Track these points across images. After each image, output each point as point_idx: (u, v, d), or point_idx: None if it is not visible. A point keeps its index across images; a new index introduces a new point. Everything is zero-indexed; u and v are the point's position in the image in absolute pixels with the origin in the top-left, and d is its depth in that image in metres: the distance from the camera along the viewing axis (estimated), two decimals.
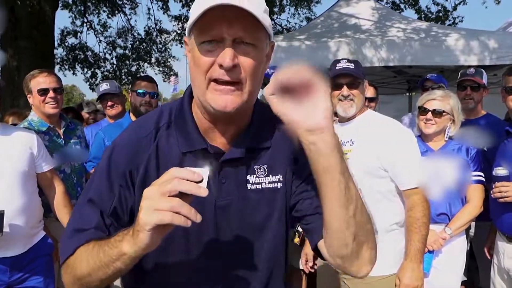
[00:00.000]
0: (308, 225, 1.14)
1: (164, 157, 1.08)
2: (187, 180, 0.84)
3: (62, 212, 2.61)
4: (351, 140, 2.21)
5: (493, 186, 2.38)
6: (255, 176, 1.12)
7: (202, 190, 0.84)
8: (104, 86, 3.77)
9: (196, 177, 0.84)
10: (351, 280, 2.17)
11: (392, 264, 2.14)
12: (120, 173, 1.07)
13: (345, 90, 2.22)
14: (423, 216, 2.07)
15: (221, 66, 0.96)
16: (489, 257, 2.82)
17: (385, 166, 2.12)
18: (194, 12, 0.96)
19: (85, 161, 3.10)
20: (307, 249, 2.54)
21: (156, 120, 1.12)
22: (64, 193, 2.64)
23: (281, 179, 1.14)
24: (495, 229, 2.67)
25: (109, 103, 3.71)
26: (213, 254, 1.11)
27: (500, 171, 2.36)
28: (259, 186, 1.12)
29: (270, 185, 1.13)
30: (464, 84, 3.28)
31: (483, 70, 3.41)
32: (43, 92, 2.82)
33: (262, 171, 1.13)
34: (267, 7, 1.03)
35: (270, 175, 1.13)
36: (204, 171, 0.86)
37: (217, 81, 0.98)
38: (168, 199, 0.83)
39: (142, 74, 14.15)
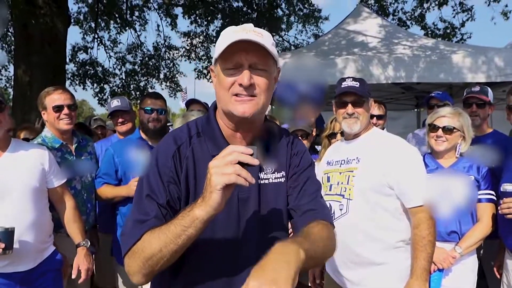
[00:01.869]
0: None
1: (198, 158, 1.36)
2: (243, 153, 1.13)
3: (73, 227, 2.64)
4: (357, 157, 2.23)
5: (501, 202, 2.36)
6: (263, 173, 1.42)
7: (255, 161, 1.13)
8: (115, 103, 3.82)
9: (249, 151, 1.14)
10: None
11: (398, 281, 2.13)
12: (167, 172, 1.32)
13: (349, 108, 2.25)
14: (429, 234, 2.06)
15: (240, 84, 1.28)
16: (498, 276, 2.79)
17: (391, 184, 2.13)
18: (220, 46, 1.28)
19: (93, 175, 3.13)
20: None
21: (187, 131, 1.41)
22: (74, 209, 2.67)
23: (284, 175, 1.45)
24: (503, 246, 2.65)
25: (120, 120, 3.75)
26: (238, 243, 1.36)
27: (508, 186, 2.34)
28: (267, 181, 1.42)
29: (276, 180, 1.44)
30: (469, 102, 3.29)
31: (488, 88, 3.43)
32: (58, 108, 2.87)
33: (269, 169, 1.43)
34: (274, 41, 1.34)
35: (276, 172, 1.44)
36: (253, 148, 1.15)
37: (237, 95, 1.30)
38: (231, 165, 1.11)
39: (150, 90, 14.36)
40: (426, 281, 2.05)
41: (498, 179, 2.62)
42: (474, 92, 3.34)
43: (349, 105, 2.25)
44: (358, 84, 2.25)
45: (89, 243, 2.68)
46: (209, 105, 3.11)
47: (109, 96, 13.45)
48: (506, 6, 11.82)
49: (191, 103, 4.18)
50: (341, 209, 2.19)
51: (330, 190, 2.29)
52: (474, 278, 2.58)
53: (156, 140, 3.22)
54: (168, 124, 3.73)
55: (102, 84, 13.72)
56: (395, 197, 2.15)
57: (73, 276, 2.54)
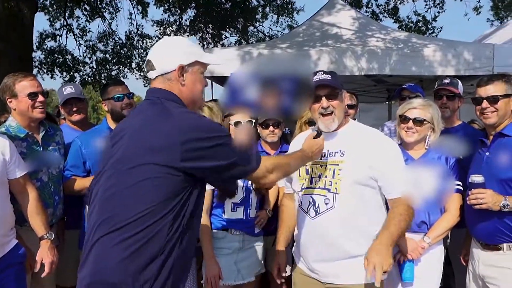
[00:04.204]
0: None
1: None
2: None
3: (36, 219, 2.53)
4: (340, 150, 2.21)
5: (469, 193, 2.40)
6: None
7: None
8: (69, 90, 3.56)
9: None
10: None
11: None
12: None
13: (324, 102, 2.20)
14: (406, 215, 2.09)
15: None
16: (464, 264, 2.86)
17: (376, 176, 2.15)
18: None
19: (61, 166, 3.02)
20: (280, 259, 2.53)
21: None
22: (37, 200, 2.56)
23: None
24: (470, 236, 2.71)
25: (74, 108, 3.54)
26: None
27: (476, 178, 2.37)
28: None
29: None
30: (440, 94, 3.35)
31: (458, 80, 3.49)
32: (33, 96, 2.73)
33: None
34: None
35: None
36: None
37: None
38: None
39: (122, 79, 14.09)
40: (390, 246, 2.03)
41: (465, 170, 2.68)
42: (445, 84, 3.39)
43: (323, 99, 2.20)
44: (330, 76, 2.22)
45: (53, 236, 2.58)
46: None
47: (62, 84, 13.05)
48: (478, 1, 12.15)
49: None
50: (326, 203, 2.17)
51: (311, 183, 2.26)
52: (441, 267, 2.63)
53: None
54: None
55: (71, 73, 13.30)
56: (378, 190, 2.18)
57: (36, 270, 2.45)
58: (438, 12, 12.37)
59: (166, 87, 1.80)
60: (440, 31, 12.77)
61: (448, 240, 3.25)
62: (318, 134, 2.20)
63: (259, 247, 2.93)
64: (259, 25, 14.31)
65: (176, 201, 1.62)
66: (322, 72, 2.25)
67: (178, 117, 1.68)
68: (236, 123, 2.80)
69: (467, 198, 2.40)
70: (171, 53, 1.81)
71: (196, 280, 2.86)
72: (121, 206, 1.60)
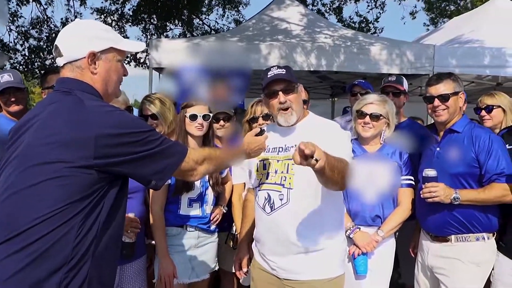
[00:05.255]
0: None
1: None
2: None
3: None
4: (295, 145, 2.14)
5: (423, 187, 2.46)
6: None
7: None
8: (7, 78, 3.21)
9: None
10: (297, 285, 2.14)
11: (338, 265, 2.16)
12: None
13: (281, 97, 2.15)
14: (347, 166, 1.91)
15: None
16: (412, 254, 2.97)
17: None
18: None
19: None
20: (241, 254, 2.48)
21: None
22: None
23: None
24: (419, 228, 2.82)
25: (13, 99, 3.20)
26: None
27: (430, 172, 2.43)
28: None
29: None
30: (386, 90, 3.44)
31: (403, 78, 3.62)
32: None
33: None
34: None
35: None
36: None
37: None
38: None
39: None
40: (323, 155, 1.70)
41: (415, 164, 2.78)
42: (391, 82, 3.49)
43: (280, 94, 2.15)
44: (285, 71, 2.17)
45: None
46: None
47: None
48: (415, 6, 12.82)
49: None
50: (281, 199, 2.13)
51: (267, 178, 2.21)
52: (392, 258, 2.72)
53: None
54: None
55: None
56: None
57: None
58: (379, 13, 12.89)
59: (77, 76, 1.60)
60: (381, 31, 13.32)
61: (397, 233, 3.37)
62: (261, 131, 2.15)
63: (213, 243, 2.85)
64: (205, 18, 14.10)
65: (87, 203, 1.44)
66: (276, 67, 2.20)
67: (92, 110, 1.50)
68: (192, 117, 2.69)
69: (420, 192, 2.47)
70: (81, 38, 1.61)
71: (146, 280, 2.74)
72: (20, 210, 1.40)
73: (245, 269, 2.47)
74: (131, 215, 2.41)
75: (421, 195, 2.44)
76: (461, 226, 2.48)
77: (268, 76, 2.17)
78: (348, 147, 2.20)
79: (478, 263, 2.49)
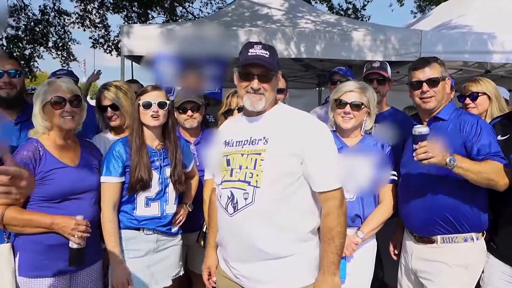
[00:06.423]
0: None
1: None
2: None
3: None
4: (264, 137, 1.89)
5: (416, 147, 2.04)
6: None
7: None
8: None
9: None
10: None
11: (308, 274, 1.90)
12: None
13: (255, 83, 1.87)
14: (338, 225, 1.84)
15: None
16: (393, 256, 2.73)
17: (302, 166, 1.85)
18: None
19: None
20: (209, 261, 2.21)
21: None
22: None
23: None
24: (400, 226, 2.58)
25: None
26: None
27: (421, 128, 2.03)
28: None
29: None
30: (370, 77, 3.19)
31: (387, 64, 3.37)
32: None
33: None
34: None
35: None
36: None
37: None
38: None
39: (37, 59, 12.92)
40: (335, 275, 1.84)
41: (398, 156, 2.53)
42: (375, 68, 3.24)
43: (255, 79, 1.87)
44: (268, 54, 1.86)
45: None
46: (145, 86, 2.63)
47: None
48: None
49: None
50: (245, 198, 1.85)
51: (231, 175, 1.91)
52: (373, 261, 2.49)
53: (10, 112, 2.65)
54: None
55: None
56: (306, 181, 1.88)
57: None
58: (367, 1, 12.60)
59: None
60: (369, 19, 13.03)
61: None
62: None
63: (176, 247, 2.58)
64: (189, 5, 13.70)
65: None
66: (260, 46, 1.88)
67: None
68: (146, 105, 2.40)
69: (414, 154, 2.06)
70: None
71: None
72: None
73: (214, 278, 2.20)
74: (79, 217, 2.16)
75: (415, 157, 2.04)
76: (448, 225, 2.25)
77: (249, 54, 1.87)
78: (325, 142, 1.92)
79: (466, 266, 2.26)
